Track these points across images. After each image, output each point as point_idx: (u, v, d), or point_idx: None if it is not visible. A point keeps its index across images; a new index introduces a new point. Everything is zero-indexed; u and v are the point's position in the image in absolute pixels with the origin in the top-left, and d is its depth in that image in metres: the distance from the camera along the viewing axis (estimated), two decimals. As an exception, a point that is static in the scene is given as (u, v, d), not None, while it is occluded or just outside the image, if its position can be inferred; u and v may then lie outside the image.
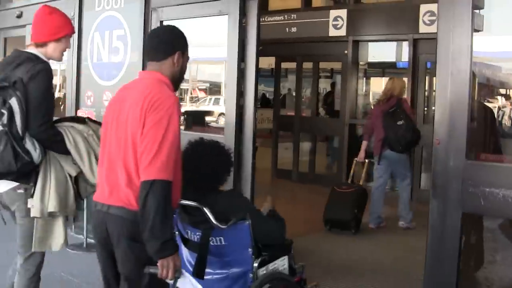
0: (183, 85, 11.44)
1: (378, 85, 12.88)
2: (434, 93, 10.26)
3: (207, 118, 12.93)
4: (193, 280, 2.97)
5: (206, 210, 3.13)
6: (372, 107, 9.13)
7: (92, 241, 3.69)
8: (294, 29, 10.49)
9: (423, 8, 8.84)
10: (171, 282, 2.66)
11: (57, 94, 8.58)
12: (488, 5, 3.87)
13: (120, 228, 2.71)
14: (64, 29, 3.55)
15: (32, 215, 3.39)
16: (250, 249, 3.22)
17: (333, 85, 12.29)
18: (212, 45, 6.25)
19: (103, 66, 6.30)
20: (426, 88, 9.49)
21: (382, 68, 12.00)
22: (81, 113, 6.32)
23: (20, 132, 3.24)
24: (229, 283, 3.26)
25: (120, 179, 2.71)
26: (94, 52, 6.40)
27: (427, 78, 9.42)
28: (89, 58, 6.47)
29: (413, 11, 8.95)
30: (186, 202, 3.15)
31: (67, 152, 3.45)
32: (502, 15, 4.07)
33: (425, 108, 9.50)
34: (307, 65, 11.10)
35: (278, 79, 11.71)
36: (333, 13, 10.02)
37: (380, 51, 10.70)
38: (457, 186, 3.86)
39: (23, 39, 7.54)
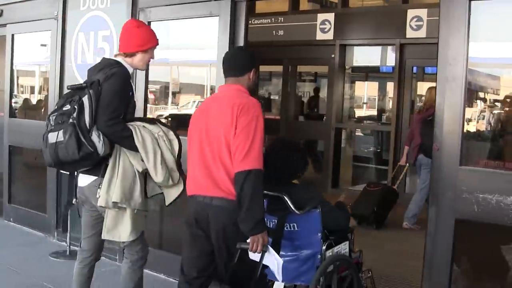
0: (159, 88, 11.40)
1: (363, 89, 12.97)
2: (422, 97, 10.34)
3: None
4: (276, 255, 3.38)
5: (287, 198, 3.59)
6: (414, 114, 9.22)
7: (76, 248, 3.69)
8: (281, 32, 10.50)
9: (411, 13, 8.91)
10: (259, 255, 3.28)
11: (37, 96, 8.50)
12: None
13: (222, 215, 3.33)
14: (150, 41, 3.95)
15: (98, 204, 3.71)
16: (319, 234, 3.66)
17: (317, 89, 12.33)
18: (197, 47, 6.21)
19: (87, 67, 6.17)
20: (413, 92, 9.52)
21: (367, 72, 12.03)
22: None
23: (87, 125, 3.60)
24: (299, 264, 3.71)
25: (219, 174, 3.32)
26: (78, 53, 6.32)
27: (413, 82, 9.45)
28: (73, 59, 6.39)
29: (400, 16, 9.00)
30: (268, 192, 3.60)
31: (134, 149, 3.73)
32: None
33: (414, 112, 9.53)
34: (294, 68, 11.11)
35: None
36: (321, 16, 10.04)
37: (366, 55, 10.74)
38: (451, 192, 3.88)
39: (3, 38, 7.44)
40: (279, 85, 11.70)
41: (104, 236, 3.80)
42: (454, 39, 3.85)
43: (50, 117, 3.73)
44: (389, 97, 10.94)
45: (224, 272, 3.44)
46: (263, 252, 3.27)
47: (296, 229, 3.69)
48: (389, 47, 9.96)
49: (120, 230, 3.77)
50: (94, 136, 3.59)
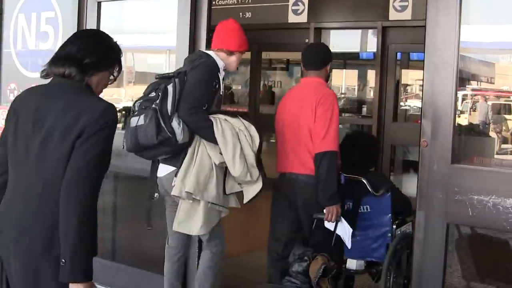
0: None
1: (341, 78, 12.97)
2: (406, 87, 10.38)
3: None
4: (347, 225, 4.34)
5: (366, 182, 4.66)
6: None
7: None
8: (248, 14, 10.44)
9: (394, -8, 8.93)
10: (333, 224, 4.30)
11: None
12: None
13: (305, 188, 4.42)
14: (246, 44, 4.53)
15: (171, 193, 4.06)
16: (390, 215, 4.68)
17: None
18: (154, 31, 6.13)
19: (29, 54, 6.12)
20: (396, 81, 9.53)
21: (346, 59, 12.04)
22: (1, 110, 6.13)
23: (169, 111, 3.99)
24: (370, 242, 4.69)
25: (303, 155, 4.42)
26: (18, 37, 6.21)
27: (397, 70, 9.46)
28: (12, 44, 6.27)
29: (382, -4, 9.03)
30: (350, 176, 4.61)
31: (213, 140, 4.06)
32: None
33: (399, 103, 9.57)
34: (263, 55, 11.07)
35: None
36: (293, -4, 10.02)
37: (344, 40, 10.73)
38: (442, 193, 3.87)
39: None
40: (247, 74, 11.66)
41: (175, 228, 4.14)
42: (443, 21, 3.85)
43: (135, 104, 4.15)
44: (370, 87, 10.98)
45: (308, 237, 4.44)
46: (337, 222, 4.29)
47: (369, 210, 4.71)
48: (370, 31, 9.96)
49: (191, 222, 4.08)
50: (174, 123, 3.98)
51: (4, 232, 2.73)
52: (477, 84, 6.54)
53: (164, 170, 4.22)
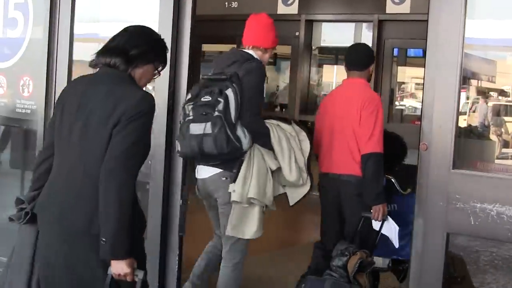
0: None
1: (333, 74, 12.96)
2: (402, 85, 10.40)
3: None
4: (394, 223, 4.66)
5: (394, 181, 5.03)
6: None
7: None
8: (235, 4, 10.41)
9: (392, -17, 8.95)
10: (379, 224, 4.66)
11: None
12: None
13: (349, 188, 4.79)
14: (277, 39, 4.74)
15: (232, 199, 4.30)
16: None
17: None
18: (132, 21, 6.07)
19: (-2, 42, 6.03)
20: (393, 79, 9.55)
21: (338, 54, 12.04)
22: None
23: (233, 119, 4.20)
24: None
25: (347, 156, 4.76)
26: (-16, 24, 6.12)
27: (393, 67, 9.49)
28: (-23, 32, 6.19)
29: (379, -13, 9.05)
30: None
31: (270, 147, 4.38)
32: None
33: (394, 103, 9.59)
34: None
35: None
36: (283, -15, 10.03)
37: (337, 33, 10.74)
38: (442, 201, 3.87)
39: None
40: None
41: (229, 232, 4.38)
42: (447, 15, 3.84)
43: (186, 107, 4.33)
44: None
45: (353, 235, 4.78)
46: (383, 221, 4.63)
47: (395, 209, 4.98)
48: (365, 24, 9.99)
49: (245, 227, 4.37)
50: (239, 131, 4.22)
51: (47, 211, 3.10)
52: (479, 83, 6.56)
53: (207, 172, 4.47)
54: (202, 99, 4.27)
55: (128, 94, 3.00)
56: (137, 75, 3.15)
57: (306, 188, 4.52)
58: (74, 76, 5.23)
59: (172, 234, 4.71)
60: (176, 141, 4.45)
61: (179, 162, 4.67)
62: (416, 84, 10.73)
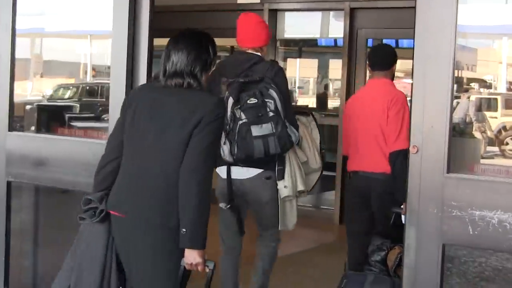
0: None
1: (299, 68, 12.94)
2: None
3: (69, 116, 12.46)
4: None
5: None
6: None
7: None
8: (190, -7, 10.37)
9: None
10: None
11: None
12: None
13: (380, 186, 5.41)
14: (270, 35, 5.33)
15: (285, 195, 4.95)
16: None
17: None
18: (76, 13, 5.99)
19: None
20: (367, 73, 9.55)
21: (304, 47, 12.05)
22: None
23: (282, 117, 4.79)
24: None
25: (376, 154, 5.39)
26: None
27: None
28: None
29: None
30: None
31: (299, 140, 5.04)
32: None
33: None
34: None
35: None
36: (243, -29, 10.00)
37: (303, 23, 10.73)
38: (436, 208, 3.84)
39: None
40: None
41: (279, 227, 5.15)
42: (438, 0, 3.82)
43: (235, 111, 4.79)
44: (334, 80, 11.00)
45: (383, 230, 5.31)
46: None
47: None
48: (333, 13, 10.00)
49: (287, 219, 5.10)
50: (289, 128, 4.83)
51: (125, 208, 3.69)
52: (459, 74, 6.57)
53: (246, 172, 4.97)
54: (249, 102, 4.78)
55: (205, 100, 3.66)
56: (202, 82, 3.78)
57: (319, 172, 5.26)
58: (18, 75, 5.19)
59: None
60: (224, 146, 4.80)
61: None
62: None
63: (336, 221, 9.33)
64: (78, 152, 4.94)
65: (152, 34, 4.77)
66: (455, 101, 5.39)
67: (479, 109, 7.53)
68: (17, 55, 5.35)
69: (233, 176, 5.00)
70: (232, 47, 12.64)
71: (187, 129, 3.56)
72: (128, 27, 4.67)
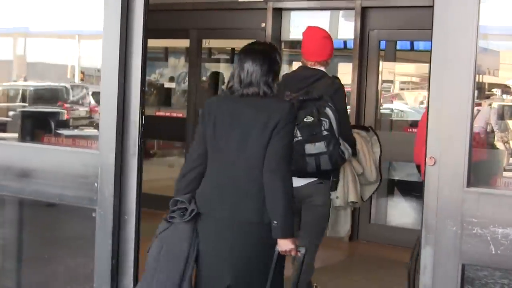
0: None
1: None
2: (389, 84, 10.42)
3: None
4: None
5: None
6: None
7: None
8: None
9: (378, -40, 8.98)
10: None
11: None
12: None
13: None
14: (333, 49, 5.87)
15: (337, 204, 5.68)
16: None
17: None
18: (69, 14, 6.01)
19: None
20: (380, 78, 9.55)
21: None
22: None
23: (336, 135, 5.39)
24: None
25: None
26: None
27: (380, 63, 9.49)
28: None
29: (362, -35, 9.08)
30: None
31: (355, 154, 5.70)
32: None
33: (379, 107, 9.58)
34: (205, 43, 11.04)
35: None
36: (245, -33, 10.04)
37: (310, 23, 10.71)
38: (455, 225, 3.85)
39: None
40: (181, 67, 11.57)
41: (328, 233, 5.90)
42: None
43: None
44: (344, 85, 10.99)
45: None
46: None
47: None
48: (343, 12, 10.01)
49: (339, 226, 5.89)
50: (342, 146, 5.41)
51: (218, 209, 4.36)
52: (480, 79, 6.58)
53: (301, 181, 5.49)
54: (305, 120, 5.42)
55: (279, 106, 4.35)
56: (274, 89, 4.43)
57: (377, 184, 5.90)
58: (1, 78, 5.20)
59: (125, 277, 4.65)
60: None
61: (132, 185, 4.62)
62: (401, 82, 10.78)
63: (345, 238, 9.31)
64: (66, 163, 4.96)
65: (147, 35, 4.75)
66: (475, 108, 5.42)
67: (501, 117, 7.53)
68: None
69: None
70: (233, 49, 12.70)
71: (266, 133, 4.25)
72: (120, 26, 4.68)
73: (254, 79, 4.41)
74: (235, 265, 4.37)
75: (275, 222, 4.21)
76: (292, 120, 4.37)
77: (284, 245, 4.25)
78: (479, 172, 4.08)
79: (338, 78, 5.81)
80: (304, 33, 5.90)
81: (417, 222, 7.56)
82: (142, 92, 4.74)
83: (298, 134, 5.33)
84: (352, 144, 5.62)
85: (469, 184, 3.83)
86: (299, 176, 5.37)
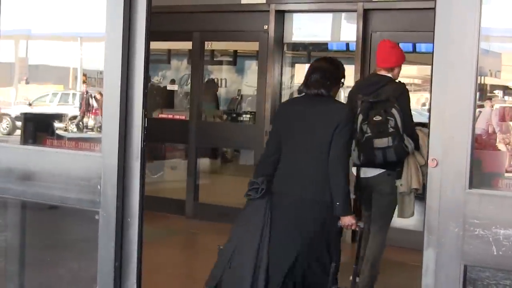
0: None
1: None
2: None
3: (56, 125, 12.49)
4: None
5: None
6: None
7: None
8: (191, -6, 10.41)
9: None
10: None
11: None
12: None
13: None
14: (402, 58, 6.95)
15: (401, 191, 6.54)
16: None
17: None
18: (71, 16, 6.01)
19: None
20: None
21: (314, 51, 12.04)
22: None
23: (401, 132, 6.31)
24: None
25: None
26: None
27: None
28: None
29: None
30: None
31: (418, 147, 6.50)
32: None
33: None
34: (207, 45, 11.05)
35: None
36: (247, -31, 10.05)
37: (313, 25, 10.73)
38: (457, 227, 3.85)
39: None
40: (183, 69, 11.57)
41: (397, 216, 6.80)
42: (460, 1, 3.84)
43: (362, 126, 6.44)
44: (346, 87, 10.98)
45: None
46: None
47: None
48: (345, 15, 10.02)
49: (405, 209, 6.66)
50: (406, 141, 6.33)
51: (290, 190, 5.45)
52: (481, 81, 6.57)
53: (373, 172, 6.61)
54: (374, 119, 6.40)
55: (339, 108, 5.54)
56: (333, 93, 5.63)
57: None
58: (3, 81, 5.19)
59: (128, 279, 4.65)
60: (353, 152, 6.37)
61: (135, 186, 4.63)
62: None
63: (348, 240, 9.30)
64: (68, 165, 4.96)
65: (149, 37, 4.74)
66: (477, 110, 5.39)
67: (503, 118, 7.53)
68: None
69: (361, 175, 6.71)
70: (236, 51, 12.70)
71: (328, 131, 5.31)
72: (123, 29, 4.68)
73: (316, 82, 5.51)
74: (302, 233, 5.36)
75: (337, 203, 5.28)
76: (350, 121, 5.50)
77: (346, 220, 5.36)
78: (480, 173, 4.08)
79: (403, 83, 6.83)
80: (378, 44, 7.15)
81: (419, 224, 7.55)
82: (145, 94, 4.73)
83: (368, 130, 6.42)
84: (415, 139, 6.46)
85: (471, 185, 3.83)
86: (369, 167, 6.55)
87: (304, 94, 5.64)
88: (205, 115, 11.37)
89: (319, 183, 5.42)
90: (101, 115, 4.90)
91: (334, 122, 5.35)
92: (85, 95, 6.87)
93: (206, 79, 11.74)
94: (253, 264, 5.32)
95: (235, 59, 13.01)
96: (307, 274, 5.44)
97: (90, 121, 6.92)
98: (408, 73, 10.85)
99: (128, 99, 4.67)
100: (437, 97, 3.93)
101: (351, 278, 6.28)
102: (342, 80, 5.73)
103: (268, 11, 9.86)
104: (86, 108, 7.03)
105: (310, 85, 5.56)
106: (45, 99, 17.44)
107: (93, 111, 6.67)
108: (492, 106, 7.43)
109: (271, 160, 5.66)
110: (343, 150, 5.40)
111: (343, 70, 5.78)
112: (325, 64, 5.76)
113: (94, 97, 6.55)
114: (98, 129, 5.31)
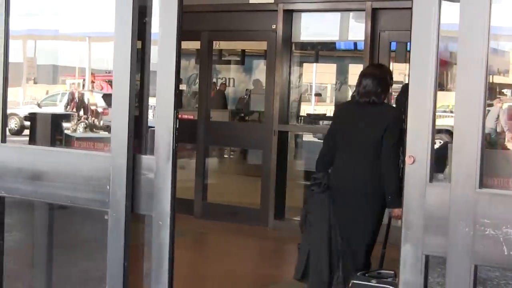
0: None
1: (316, 74, 12.94)
2: (399, 85, 10.41)
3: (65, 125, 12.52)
4: None
5: None
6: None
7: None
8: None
9: (388, -39, 8.98)
10: None
11: None
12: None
13: None
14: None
15: None
16: None
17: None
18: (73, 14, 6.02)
19: None
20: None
21: (322, 50, 12.07)
22: None
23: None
24: None
25: None
26: None
27: (391, 64, 9.50)
28: None
29: (371, -32, 9.07)
30: None
31: None
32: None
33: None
34: (216, 45, 11.06)
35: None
36: (256, -32, 10.04)
37: (322, 25, 10.74)
38: (467, 227, 3.83)
39: None
40: (191, 69, 11.59)
41: None
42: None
43: None
44: (354, 86, 10.99)
45: None
46: None
47: None
48: (354, 14, 10.02)
49: None
50: None
51: (346, 184, 6.15)
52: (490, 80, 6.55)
53: None
54: None
55: (389, 112, 6.26)
56: (384, 97, 6.21)
57: None
58: (12, 81, 5.19)
59: (160, 283, 4.62)
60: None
61: (167, 187, 4.61)
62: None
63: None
64: (77, 165, 4.96)
65: (180, 37, 4.67)
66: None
67: (511, 117, 7.53)
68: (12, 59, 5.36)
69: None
70: (244, 51, 12.71)
71: (379, 132, 5.95)
72: (132, 28, 4.67)
73: (367, 90, 6.10)
74: (353, 220, 6.10)
75: (389, 196, 5.92)
76: (398, 123, 5.82)
77: (397, 212, 5.82)
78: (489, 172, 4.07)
79: None
80: None
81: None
82: (176, 95, 4.69)
83: None
84: None
85: (482, 185, 3.82)
86: None
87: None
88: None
89: (369, 178, 6.07)
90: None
91: (384, 123, 5.95)
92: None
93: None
94: (328, 251, 6.10)
95: (243, 59, 13.03)
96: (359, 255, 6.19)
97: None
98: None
99: (143, 99, 4.67)
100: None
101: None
102: (391, 82, 6.40)
103: (276, 10, 9.88)
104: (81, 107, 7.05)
105: (362, 95, 6.12)
106: (54, 99, 17.56)
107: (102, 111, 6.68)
108: (501, 105, 7.45)
109: (330, 157, 6.34)
110: (393, 149, 5.93)
111: (391, 73, 6.47)
112: (374, 71, 6.38)
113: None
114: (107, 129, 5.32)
